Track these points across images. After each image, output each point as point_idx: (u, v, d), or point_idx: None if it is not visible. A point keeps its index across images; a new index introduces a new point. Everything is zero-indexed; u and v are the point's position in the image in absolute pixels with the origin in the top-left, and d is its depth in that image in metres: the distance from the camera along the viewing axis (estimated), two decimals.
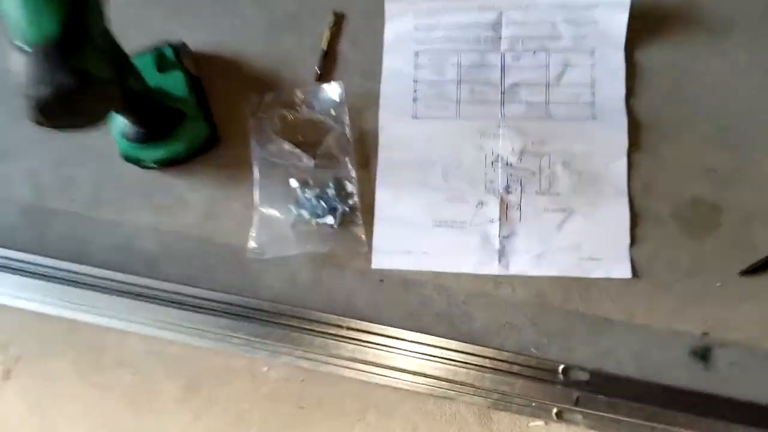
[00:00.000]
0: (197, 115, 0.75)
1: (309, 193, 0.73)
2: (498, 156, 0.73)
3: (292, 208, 0.73)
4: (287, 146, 0.75)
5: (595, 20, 0.75)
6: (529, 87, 0.75)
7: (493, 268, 0.70)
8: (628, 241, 0.69)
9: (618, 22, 0.74)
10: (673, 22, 0.75)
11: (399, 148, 0.74)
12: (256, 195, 0.74)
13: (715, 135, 0.71)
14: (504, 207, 0.71)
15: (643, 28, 0.75)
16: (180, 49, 0.78)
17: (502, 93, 0.75)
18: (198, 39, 0.81)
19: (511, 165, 0.72)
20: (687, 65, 0.74)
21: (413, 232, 0.72)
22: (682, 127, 0.72)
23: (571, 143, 0.72)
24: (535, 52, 0.76)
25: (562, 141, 0.72)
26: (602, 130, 0.72)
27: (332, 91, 0.76)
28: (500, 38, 0.76)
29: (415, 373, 0.67)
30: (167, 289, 0.71)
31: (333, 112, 0.76)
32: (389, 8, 0.78)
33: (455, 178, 0.73)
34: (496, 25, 0.76)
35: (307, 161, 0.75)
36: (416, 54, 0.77)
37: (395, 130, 0.75)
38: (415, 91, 0.76)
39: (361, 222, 0.72)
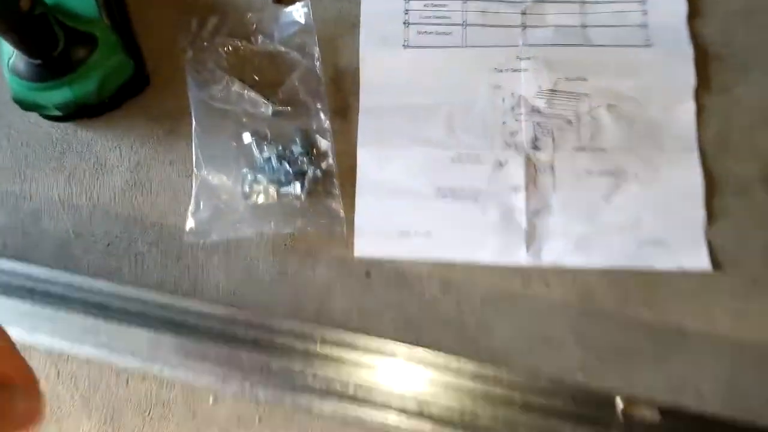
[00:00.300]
0: (114, 42, 0.55)
1: (267, 152, 0.55)
2: (520, 98, 0.54)
3: (246, 172, 0.55)
4: (237, 87, 0.56)
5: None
6: (559, 4, 0.57)
7: (520, 257, 0.52)
8: (703, 217, 0.51)
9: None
10: None
11: (387, 89, 0.56)
12: (196, 154, 0.55)
13: None
14: (531, 169, 0.53)
15: None
16: None
17: (523, 13, 0.57)
18: None
19: (538, 110, 0.54)
20: None
21: (409, 206, 0.54)
22: (766, 57, 0.53)
23: (619, 79, 0.54)
24: None
25: (606, 76, 0.54)
26: (660, 62, 0.54)
27: (297, 14, 0.59)
28: None
29: (412, 413, 0.48)
30: (79, 285, 0.53)
31: (298, 42, 0.58)
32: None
33: (463, 129, 0.55)
34: None
35: (265, 108, 0.56)
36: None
37: (381, 64, 0.57)
38: (407, 11, 0.58)
39: (338, 192, 0.54)
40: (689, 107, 0.53)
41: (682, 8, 0.55)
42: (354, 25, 0.58)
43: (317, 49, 0.56)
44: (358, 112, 0.56)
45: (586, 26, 0.55)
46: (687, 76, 0.53)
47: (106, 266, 0.54)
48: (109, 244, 0.55)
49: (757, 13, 0.55)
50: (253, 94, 0.56)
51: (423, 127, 0.55)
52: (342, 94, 0.57)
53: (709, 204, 0.51)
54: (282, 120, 0.56)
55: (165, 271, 0.54)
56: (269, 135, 0.56)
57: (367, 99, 0.56)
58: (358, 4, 0.58)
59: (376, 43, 0.57)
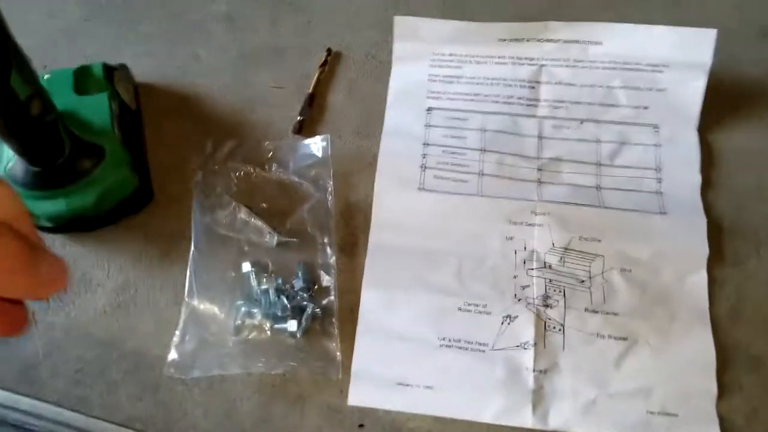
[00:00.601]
0: (122, 157, 0.54)
1: (266, 284, 0.52)
2: (533, 252, 0.53)
3: (240, 304, 0.51)
4: (243, 214, 0.55)
5: (662, 86, 0.58)
6: (575, 164, 0.58)
7: (526, 419, 0.48)
8: (714, 390, 0.48)
9: (693, 90, 0.58)
10: (760, 99, 0.59)
11: (399, 229, 0.55)
12: (189, 281, 0.52)
13: None
14: (541, 326, 0.50)
15: (720, 102, 0.59)
16: (115, 71, 0.58)
17: (539, 169, 0.57)
18: (148, 67, 0.62)
19: (550, 267, 0.52)
20: None
21: (411, 354, 0.50)
22: None
23: (633, 244, 0.53)
24: (582, 122, 0.59)
25: (621, 239, 0.54)
26: (674, 230, 0.54)
27: (315, 147, 0.58)
28: (538, 100, 0.60)
29: None
30: (40, 413, 0.47)
31: (313, 175, 0.57)
32: (399, 48, 0.62)
33: (474, 278, 0.53)
34: (534, 84, 0.60)
35: (269, 238, 0.54)
36: (429, 110, 0.60)
37: (395, 204, 0.56)
38: (425, 156, 0.58)
39: (336, 332, 0.51)
40: (702, 278, 0.52)
41: (695, 179, 0.56)
42: (371, 164, 0.57)
43: (331, 182, 0.56)
44: (366, 250, 0.54)
45: (602, 188, 0.56)
46: (700, 246, 0.53)
47: (73, 393, 0.49)
48: (80, 369, 0.50)
49: (762, 191, 0.56)
50: (259, 223, 0.54)
51: (432, 272, 0.53)
52: (351, 230, 0.55)
53: (720, 377, 0.48)
54: (286, 251, 0.54)
55: (137, 405, 0.48)
56: (270, 266, 0.53)
57: (376, 237, 0.54)
58: (378, 143, 0.58)
59: (392, 183, 0.56)
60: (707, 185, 0.56)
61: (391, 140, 0.58)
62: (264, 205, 0.56)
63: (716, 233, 0.54)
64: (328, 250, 0.54)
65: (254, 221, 0.55)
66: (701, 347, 0.49)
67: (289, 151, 0.58)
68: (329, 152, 0.56)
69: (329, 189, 0.56)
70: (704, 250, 0.53)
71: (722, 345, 0.50)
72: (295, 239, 0.54)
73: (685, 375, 0.49)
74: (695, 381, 0.48)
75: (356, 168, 0.58)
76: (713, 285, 0.52)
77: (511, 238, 0.54)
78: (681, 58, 0.57)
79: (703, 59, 0.56)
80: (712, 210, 0.55)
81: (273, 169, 0.57)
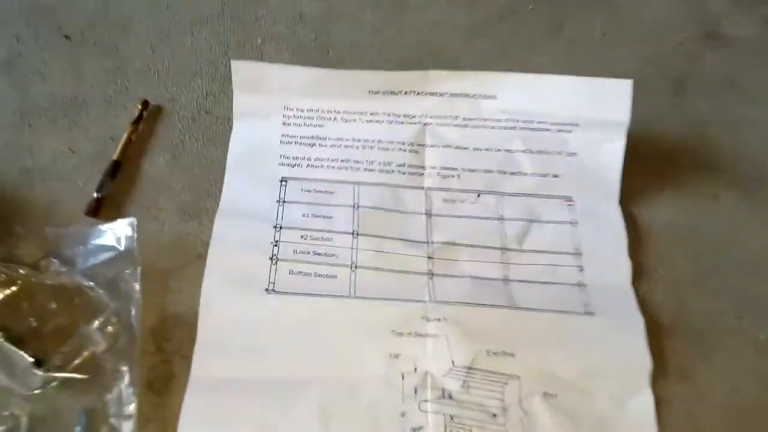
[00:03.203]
0: None
1: None
2: (427, 376, 0.40)
3: None
4: None
5: (572, 149, 0.50)
6: (475, 250, 0.46)
7: None
8: None
9: (610, 153, 0.49)
10: (684, 161, 0.50)
11: (234, 352, 0.41)
12: None
13: None
14: None
15: (641, 168, 0.50)
16: None
17: (430, 257, 0.45)
18: None
19: (451, 396, 0.39)
20: (713, 229, 0.49)
21: None
22: (728, 330, 0.43)
23: (556, 358, 0.41)
24: (479, 194, 0.48)
25: (540, 351, 0.42)
26: (605, 336, 0.43)
27: (115, 235, 0.44)
28: (423, 167, 0.50)
29: None
30: None
31: (110, 276, 0.43)
32: (240, 102, 0.50)
33: (344, 419, 0.38)
34: (417, 147, 0.49)
35: (31, 375, 0.36)
36: (283, 181, 0.48)
37: (232, 315, 0.42)
38: (276, 244, 0.45)
39: None
40: (647, 400, 0.40)
41: (624, 266, 0.45)
42: (199, 257, 0.43)
43: (138, 286, 0.40)
44: (186, 385, 0.38)
45: (510, 281, 0.43)
46: (640, 356, 0.41)
47: None
48: None
49: (709, 277, 0.45)
50: (19, 354, 0.36)
51: (283, 415, 0.38)
52: (166, 356, 0.40)
53: None
54: (60, 394, 0.37)
55: None
56: (24, 424, 0.34)
57: (202, 367, 0.39)
58: (210, 227, 0.43)
59: (229, 284, 0.42)
60: (638, 273, 0.46)
61: (230, 223, 0.45)
62: (33, 323, 0.39)
63: (655, 336, 0.43)
64: (127, 387, 0.37)
65: (12, 349, 0.36)
66: None
67: (76, 242, 0.43)
68: (135, 243, 0.40)
69: (134, 296, 0.40)
70: (646, 362, 0.41)
71: None
72: (76, 374, 0.38)
73: None
74: None
75: (178, 264, 0.44)
76: (660, 410, 0.40)
77: (397, 356, 0.41)
78: (593, 115, 0.49)
79: (619, 116, 0.47)
80: (648, 305, 0.45)
81: (51, 268, 0.40)
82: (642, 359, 0.42)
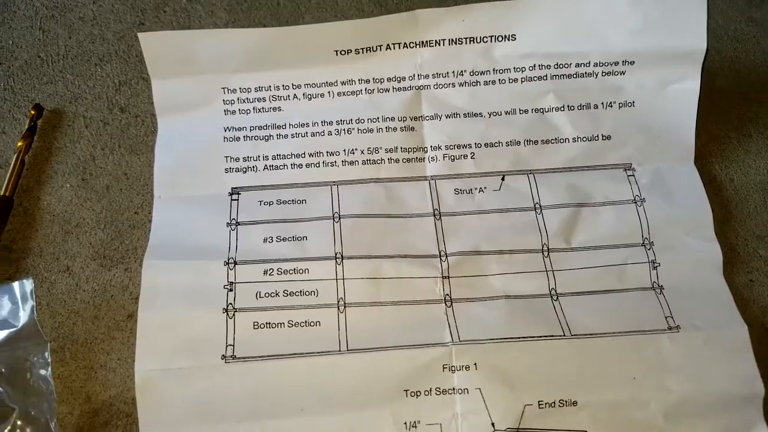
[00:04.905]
0: None
1: None
2: None
3: None
4: None
5: (628, 97, 0.39)
6: (506, 258, 0.35)
7: None
8: None
9: (681, 99, 0.38)
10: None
11: None
12: None
13: None
14: None
15: (722, 114, 0.40)
16: None
17: (445, 276, 0.35)
18: None
19: None
20: None
21: None
22: None
23: (633, 398, 0.32)
24: (503, 178, 0.38)
25: (610, 394, 0.32)
26: (698, 357, 0.33)
27: (11, 301, 0.33)
28: (424, 149, 0.39)
29: None
30: None
31: (8, 365, 0.32)
32: (160, 90, 0.41)
33: None
34: (412, 121, 0.40)
35: None
36: (233, 195, 0.38)
37: (180, 396, 0.32)
38: (231, 287, 0.34)
39: None
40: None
41: (712, 252, 0.35)
42: (131, 317, 0.35)
43: (48, 374, 0.30)
44: None
45: (560, 296, 0.32)
46: (748, 380, 0.32)
47: None
48: None
49: None
50: None
51: None
52: None
53: None
54: None
55: None
56: None
57: None
58: (140, 272, 0.33)
59: (171, 355, 0.32)
60: (732, 260, 0.36)
61: (164, 266, 0.35)
62: None
63: (763, 347, 0.33)
64: None
65: None
66: None
67: None
68: (34, 312, 0.30)
69: (46, 388, 0.30)
70: (755, 386, 0.32)
71: None
72: None
73: None
74: None
75: (102, 332, 0.34)
76: None
77: (415, 426, 0.31)
78: (654, 45, 0.37)
79: (691, 43, 0.36)
80: (749, 305, 0.35)
81: None
82: (751, 384, 0.32)
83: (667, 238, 0.36)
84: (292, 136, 0.38)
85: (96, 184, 0.38)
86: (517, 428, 0.31)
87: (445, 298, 0.34)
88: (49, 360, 0.32)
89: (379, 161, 0.38)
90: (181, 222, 0.36)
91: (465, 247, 0.36)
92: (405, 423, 0.32)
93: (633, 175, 0.37)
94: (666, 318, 0.34)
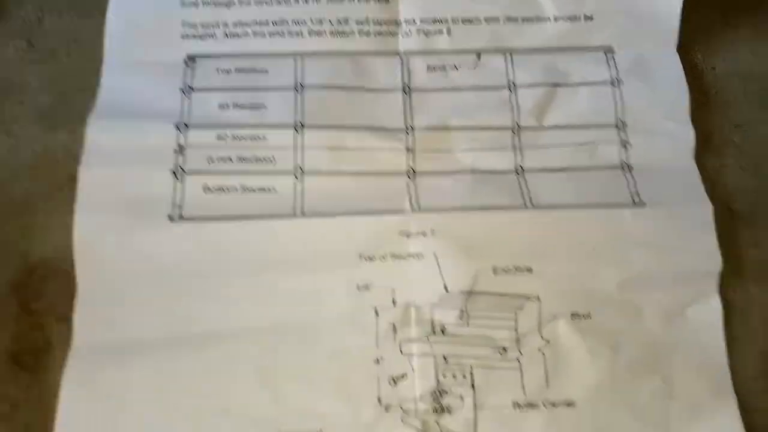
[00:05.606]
0: None
1: None
2: (409, 309, 0.32)
3: None
4: None
5: None
6: (476, 133, 0.35)
7: None
8: None
9: None
10: None
11: (131, 306, 0.31)
12: None
13: None
14: None
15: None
16: None
17: (410, 150, 0.34)
18: None
19: (443, 332, 0.31)
20: None
21: None
22: None
23: (589, 267, 0.33)
24: (479, 56, 0.38)
25: (566, 263, 0.33)
26: (659, 232, 0.34)
27: None
28: (397, 23, 0.38)
29: None
30: None
31: None
32: None
33: (297, 377, 0.30)
34: None
35: None
36: (190, 61, 0.36)
37: (121, 255, 0.31)
38: (182, 150, 0.34)
39: None
40: (713, 311, 0.32)
41: (686, 137, 0.35)
42: (73, 179, 0.34)
43: None
44: (67, 357, 0.30)
45: (526, 171, 0.32)
46: (707, 255, 0.33)
47: None
48: None
49: None
50: None
51: (208, 385, 0.29)
52: (34, 319, 0.31)
53: None
54: None
55: None
56: None
57: (86, 329, 0.30)
58: (83, 135, 0.32)
59: (113, 213, 0.32)
60: (706, 145, 0.37)
61: (111, 126, 0.34)
62: None
63: (728, 227, 0.35)
64: None
65: None
66: None
67: None
68: None
69: None
70: (713, 262, 0.33)
71: (756, 427, 0.31)
72: None
73: None
74: None
75: (42, 192, 0.33)
76: (730, 321, 0.32)
77: (367, 288, 0.32)
78: None
79: None
80: (719, 187, 0.36)
81: None
82: (709, 259, 0.33)
83: (642, 120, 0.36)
84: (256, 3, 0.37)
85: (42, 46, 0.36)
86: (470, 291, 0.32)
87: (408, 171, 0.34)
88: None
89: (348, 33, 0.37)
90: (131, 86, 0.35)
91: (433, 122, 0.35)
92: (357, 286, 0.32)
93: (613, 58, 0.37)
94: (631, 194, 0.34)
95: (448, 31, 0.37)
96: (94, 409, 0.29)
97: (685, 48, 0.39)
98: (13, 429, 0.29)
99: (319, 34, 0.37)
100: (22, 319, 0.31)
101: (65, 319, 0.30)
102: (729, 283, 0.34)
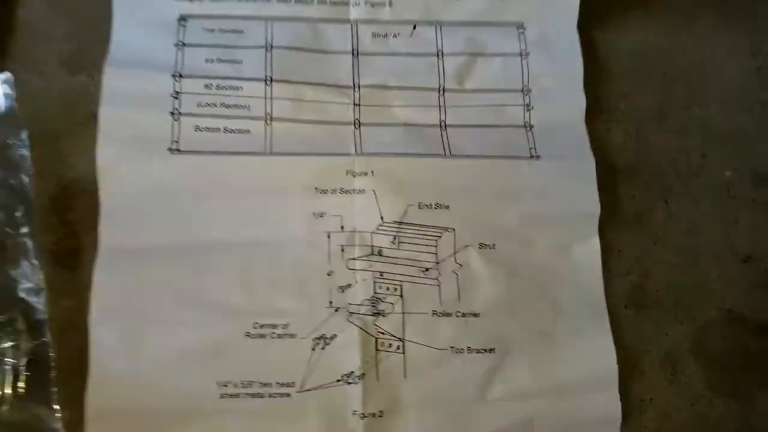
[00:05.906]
0: None
1: None
2: (354, 234, 0.40)
3: None
4: None
5: None
6: (409, 92, 0.44)
7: None
8: (618, 412, 0.38)
9: None
10: None
11: (142, 219, 0.40)
12: None
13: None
14: (371, 346, 0.38)
15: None
16: None
17: (357, 104, 0.43)
18: None
19: (380, 253, 0.40)
20: (684, 57, 0.46)
21: (177, 420, 0.36)
22: (690, 169, 0.44)
23: (495, 206, 0.41)
24: (415, 26, 0.46)
25: (477, 201, 0.42)
26: (550, 180, 0.42)
27: None
28: None
29: None
30: None
31: None
32: None
33: (266, 283, 0.39)
34: None
35: None
36: (182, 20, 0.45)
37: (134, 180, 0.40)
38: (178, 95, 0.42)
39: (54, 395, 0.35)
40: (592, 248, 0.41)
41: (578, 103, 0.44)
42: (93, 116, 0.41)
43: (27, 153, 0.38)
44: (95, 258, 0.38)
45: (448, 126, 0.41)
46: (588, 201, 0.42)
47: None
48: None
49: (675, 113, 0.43)
50: None
51: (201, 282, 0.38)
52: (71, 228, 0.40)
53: (625, 392, 0.38)
54: None
55: None
56: None
57: (109, 237, 0.39)
58: (99, 79, 0.41)
59: (126, 145, 0.41)
60: (596, 110, 0.44)
61: (122, 74, 0.42)
62: None
63: (608, 179, 0.43)
64: (31, 263, 0.36)
65: None
66: (597, 353, 0.40)
67: None
68: (15, 102, 0.37)
69: (24, 164, 0.38)
70: (593, 207, 0.42)
71: (624, 344, 0.40)
72: None
73: (579, 395, 0.38)
74: (593, 402, 0.38)
75: (69, 125, 0.42)
76: (608, 257, 0.41)
77: (321, 216, 0.41)
78: None
79: None
80: (604, 146, 0.44)
81: None
82: (590, 205, 0.42)
83: (543, 87, 0.44)
84: None
85: (63, 3, 0.43)
86: (400, 222, 0.40)
87: (354, 122, 0.42)
88: (27, 143, 0.39)
89: (309, 2, 0.44)
90: (136, 40, 0.42)
91: (375, 81, 0.43)
92: (313, 213, 0.40)
93: (523, 33, 0.45)
94: (530, 149, 0.43)
95: (390, 4, 0.45)
96: (118, 296, 0.38)
97: (585, 26, 0.45)
98: (58, 311, 0.37)
99: (285, 2, 0.44)
100: (60, 228, 0.39)
101: (93, 228, 0.39)
102: (608, 228, 0.42)
